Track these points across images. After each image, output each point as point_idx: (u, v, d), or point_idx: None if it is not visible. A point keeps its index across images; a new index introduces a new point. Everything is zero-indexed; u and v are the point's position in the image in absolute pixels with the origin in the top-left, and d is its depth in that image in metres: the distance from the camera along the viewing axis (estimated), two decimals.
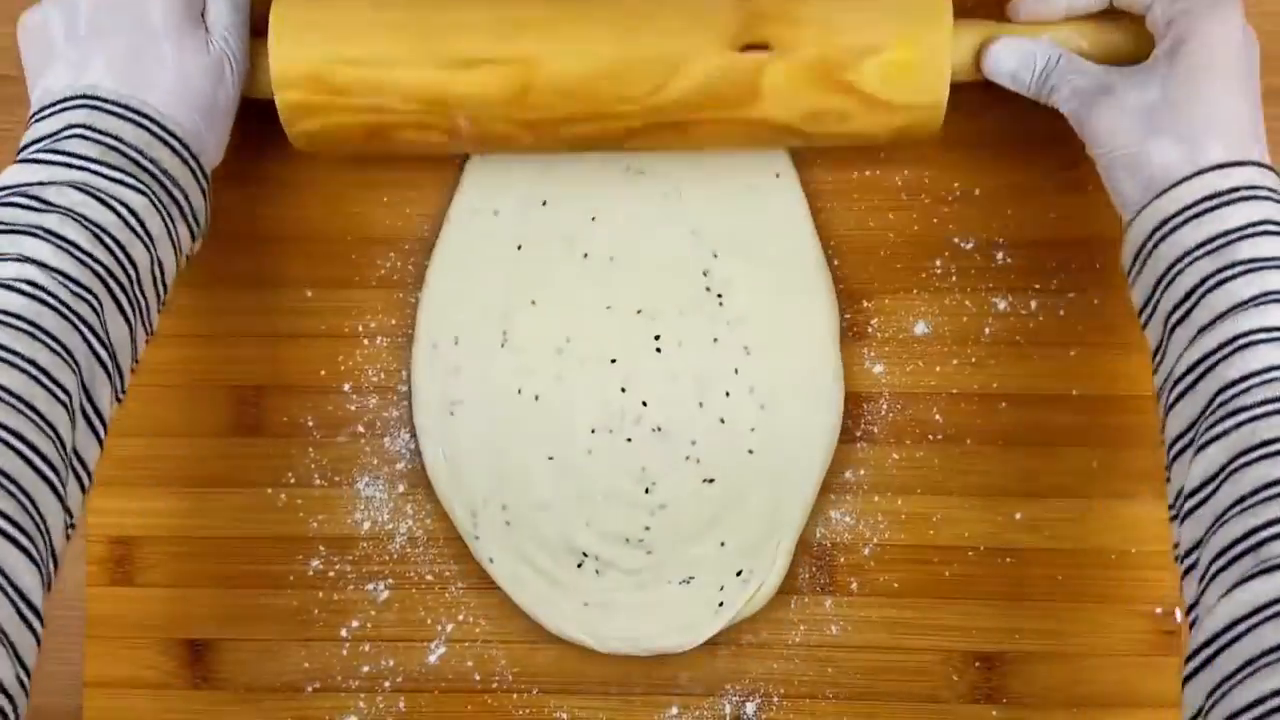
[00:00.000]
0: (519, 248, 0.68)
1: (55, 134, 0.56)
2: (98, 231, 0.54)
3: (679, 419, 0.68)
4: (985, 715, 0.68)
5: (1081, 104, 0.59)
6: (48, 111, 0.57)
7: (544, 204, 0.68)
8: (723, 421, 0.68)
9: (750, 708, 0.69)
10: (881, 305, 0.69)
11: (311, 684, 0.69)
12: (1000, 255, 0.68)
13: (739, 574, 0.67)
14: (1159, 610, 0.67)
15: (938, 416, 0.68)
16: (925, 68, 0.60)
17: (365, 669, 0.69)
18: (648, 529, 0.68)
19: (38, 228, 0.53)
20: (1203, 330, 0.53)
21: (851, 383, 0.68)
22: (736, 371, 0.68)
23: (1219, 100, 0.55)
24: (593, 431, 0.68)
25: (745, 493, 0.68)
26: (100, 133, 0.56)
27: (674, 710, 0.69)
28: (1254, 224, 0.53)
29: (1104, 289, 0.68)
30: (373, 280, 0.70)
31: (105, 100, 0.57)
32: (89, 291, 0.53)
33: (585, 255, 0.68)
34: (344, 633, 0.69)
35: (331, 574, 0.69)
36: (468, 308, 0.68)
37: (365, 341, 0.70)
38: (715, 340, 0.68)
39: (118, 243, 0.55)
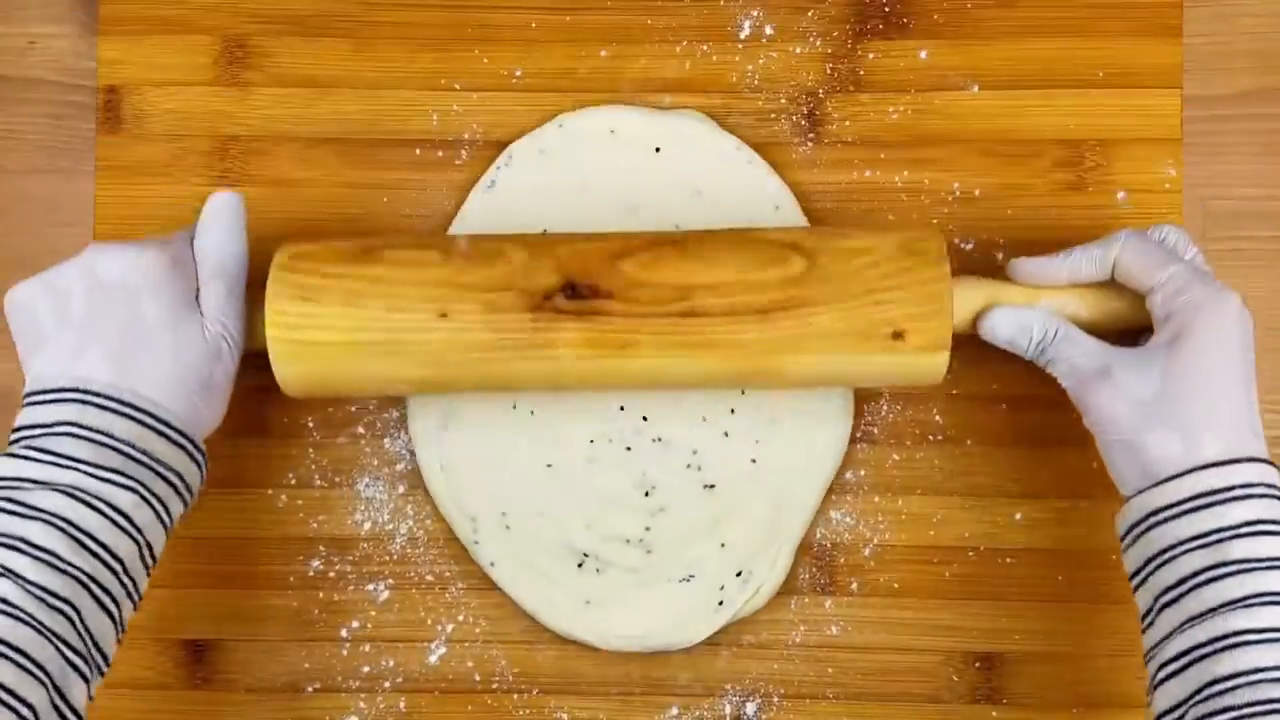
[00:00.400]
0: None
1: (47, 427, 0.56)
2: (81, 537, 0.54)
3: (681, 433, 0.68)
4: (985, 715, 0.68)
5: (1079, 383, 0.60)
6: (41, 399, 0.57)
7: (544, 232, 0.68)
8: (726, 435, 0.68)
9: (750, 708, 0.69)
10: None
11: (311, 684, 0.69)
12: (1000, 255, 0.68)
13: (739, 574, 0.67)
14: None
15: (938, 417, 0.68)
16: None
17: (365, 669, 0.69)
18: (648, 529, 0.68)
19: (19, 538, 0.53)
20: (1193, 620, 0.54)
21: None
22: (742, 391, 0.68)
23: (1218, 396, 0.56)
24: (591, 442, 0.68)
25: (747, 499, 0.68)
26: (91, 429, 0.56)
27: (674, 710, 0.69)
28: (1249, 523, 0.54)
29: None
30: None
31: (98, 395, 0.57)
32: (67, 602, 0.53)
33: None
34: (344, 633, 0.69)
35: (331, 574, 0.69)
36: None
37: None
38: None
39: (103, 545, 0.55)
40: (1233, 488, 0.55)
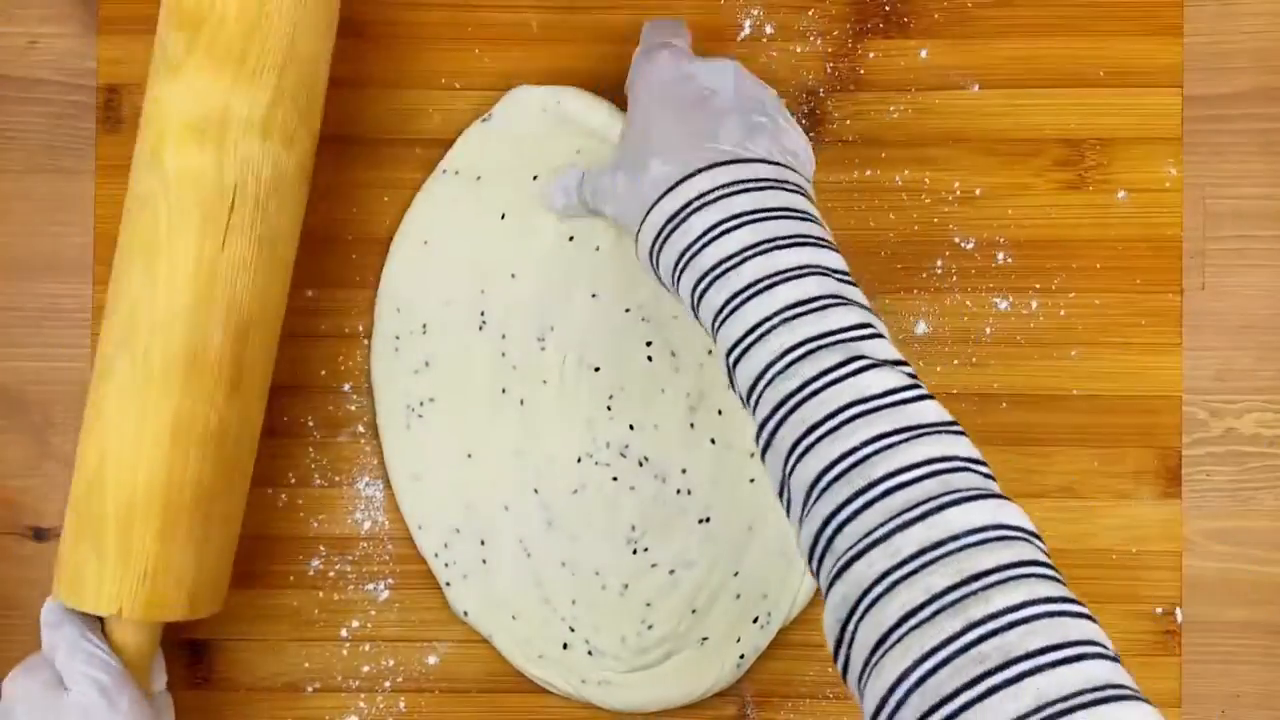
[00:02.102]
0: (503, 216, 0.67)
1: None
2: None
3: (666, 447, 0.66)
4: None
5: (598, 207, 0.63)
6: None
7: (534, 179, 0.67)
8: (713, 442, 0.67)
9: (750, 708, 0.69)
10: (882, 305, 0.69)
11: (311, 684, 0.69)
12: (1000, 255, 0.68)
13: (755, 620, 0.66)
14: (1159, 610, 0.67)
15: None
16: None
17: (365, 669, 0.69)
18: (649, 627, 0.66)
19: None
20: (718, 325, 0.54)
21: None
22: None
23: (655, 132, 0.58)
24: (575, 492, 0.66)
25: (753, 529, 0.66)
26: None
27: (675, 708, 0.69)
28: (710, 229, 0.54)
29: (1104, 289, 0.68)
30: (372, 280, 0.69)
31: None
32: None
33: (571, 239, 0.67)
34: (344, 633, 0.69)
35: (331, 574, 0.69)
36: (438, 284, 0.68)
37: (365, 341, 0.70)
38: (710, 352, 0.67)
39: None
40: (689, 204, 0.55)
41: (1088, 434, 0.68)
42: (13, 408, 0.70)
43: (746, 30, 0.70)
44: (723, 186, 0.55)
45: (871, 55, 0.69)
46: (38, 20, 0.72)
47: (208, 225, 0.60)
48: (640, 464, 0.66)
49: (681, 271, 0.55)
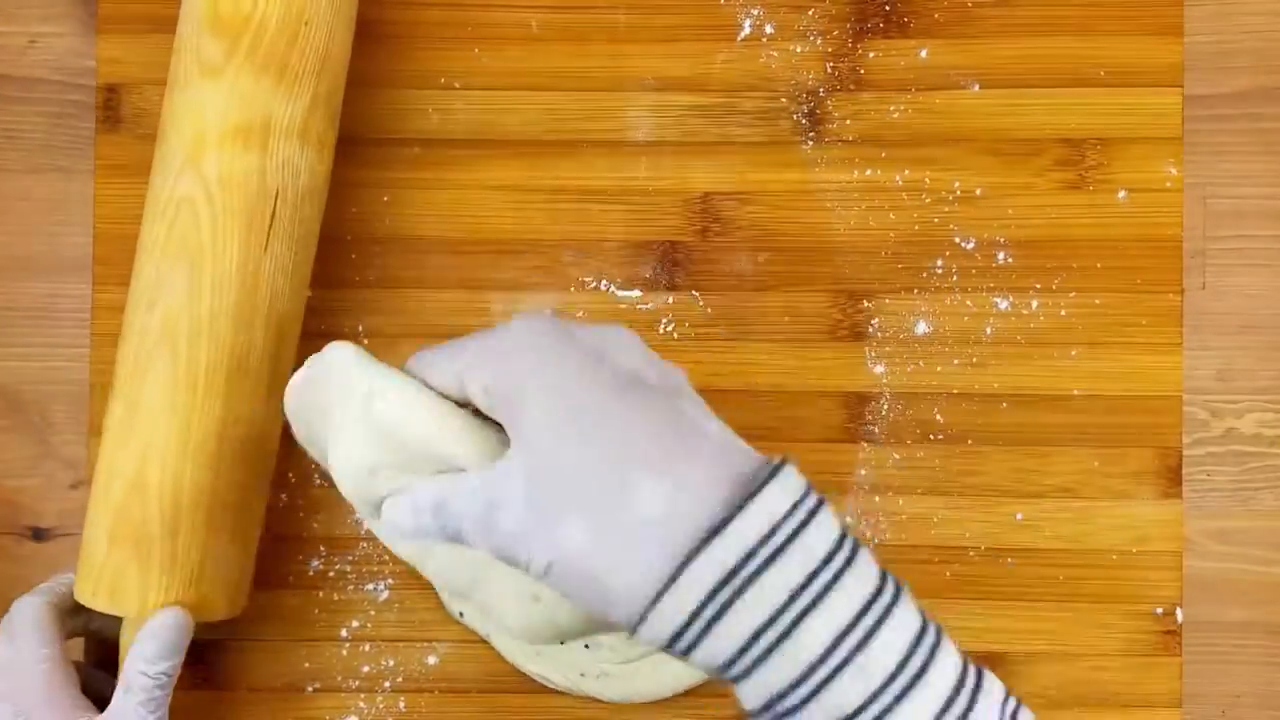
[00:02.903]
0: None
1: None
2: None
3: None
4: None
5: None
6: None
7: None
8: None
9: None
10: (882, 305, 0.69)
11: (311, 684, 0.69)
12: (1000, 255, 0.69)
13: None
14: (1159, 610, 0.67)
15: (938, 416, 0.68)
16: None
17: (365, 669, 0.69)
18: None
19: None
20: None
21: (852, 383, 0.68)
22: None
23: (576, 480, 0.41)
24: None
25: None
26: None
27: (676, 708, 0.69)
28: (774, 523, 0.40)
29: (1104, 289, 0.68)
30: (372, 280, 0.70)
31: None
32: None
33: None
34: (344, 633, 0.69)
35: (331, 574, 0.69)
36: None
37: (365, 341, 0.70)
38: None
39: None
40: (752, 552, 0.40)
41: (1088, 434, 0.68)
42: (12, 408, 0.70)
43: (746, 30, 0.70)
44: (788, 516, 0.40)
45: (871, 55, 0.69)
46: (37, 20, 0.72)
47: (252, 229, 0.60)
48: None
49: (765, 657, 0.40)
